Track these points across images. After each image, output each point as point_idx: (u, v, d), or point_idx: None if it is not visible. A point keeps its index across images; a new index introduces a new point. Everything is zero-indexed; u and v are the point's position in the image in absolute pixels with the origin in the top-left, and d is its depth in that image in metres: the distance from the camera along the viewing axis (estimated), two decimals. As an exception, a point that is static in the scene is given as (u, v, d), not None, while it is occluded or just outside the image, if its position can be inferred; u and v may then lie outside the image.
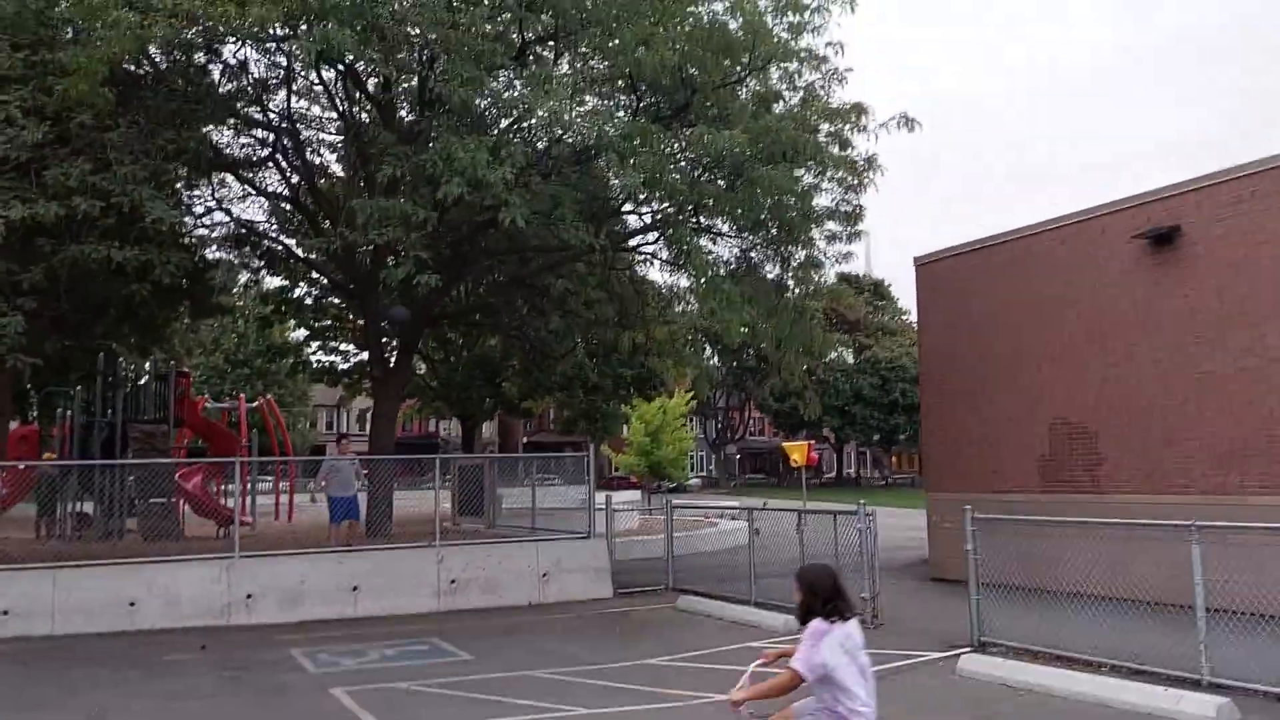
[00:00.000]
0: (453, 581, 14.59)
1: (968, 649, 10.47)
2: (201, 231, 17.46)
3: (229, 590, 13.16)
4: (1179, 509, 12.73)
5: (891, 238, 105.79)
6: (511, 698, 8.90)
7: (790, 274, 16.80)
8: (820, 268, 17.27)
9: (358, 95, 17.27)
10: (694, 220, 15.76)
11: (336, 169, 20.15)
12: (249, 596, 13.22)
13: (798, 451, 41.74)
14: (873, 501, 13.86)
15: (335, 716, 8.41)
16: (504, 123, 15.45)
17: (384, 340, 19.77)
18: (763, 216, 15.20)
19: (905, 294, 65.10)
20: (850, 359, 67.42)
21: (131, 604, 12.59)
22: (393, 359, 19.72)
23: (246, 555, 13.71)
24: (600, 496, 17.21)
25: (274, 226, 20.20)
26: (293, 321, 25.38)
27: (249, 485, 24.74)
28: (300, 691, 9.31)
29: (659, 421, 43.71)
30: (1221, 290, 13.17)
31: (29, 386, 20.66)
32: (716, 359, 48.73)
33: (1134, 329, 14.28)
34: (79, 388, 20.99)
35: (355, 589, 13.89)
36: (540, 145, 15.09)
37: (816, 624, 5.01)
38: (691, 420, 70.95)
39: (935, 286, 18.04)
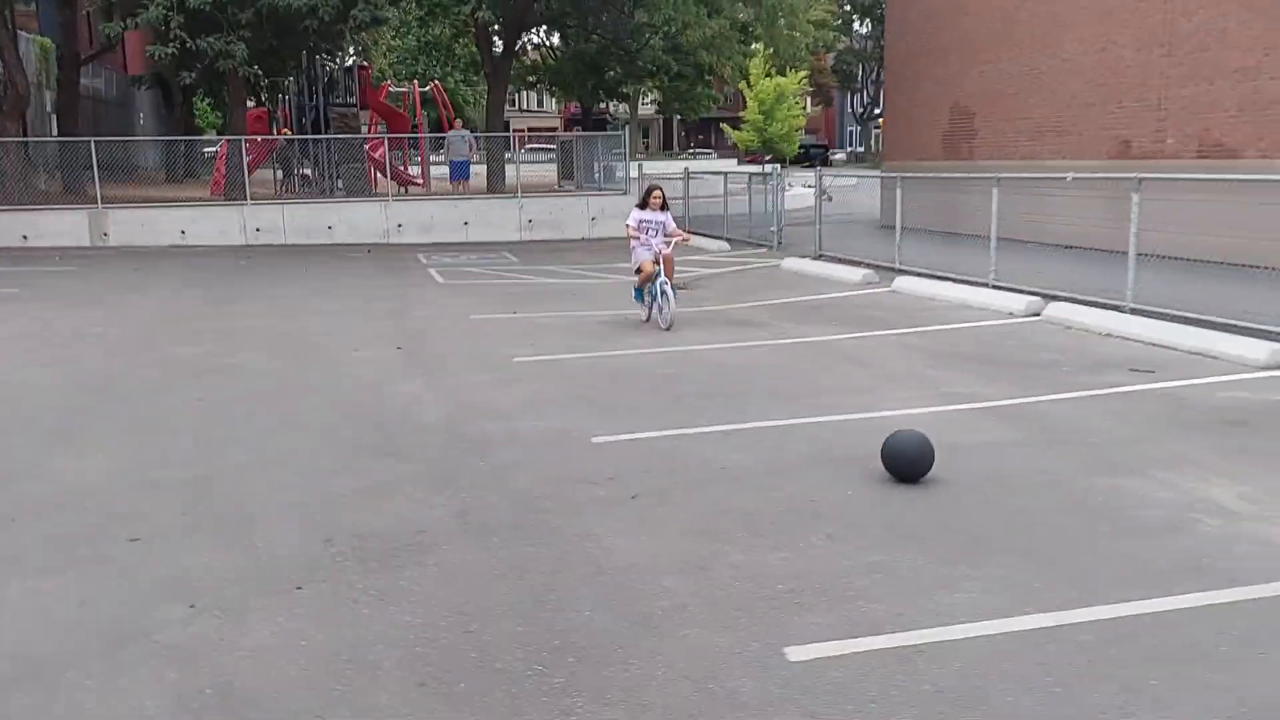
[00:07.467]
0: (529, 221, 22.09)
1: (809, 258, 17.11)
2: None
3: (387, 220, 21.19)
4: (1009, 168, 18.64)
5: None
6: (526, 276, 16.34)
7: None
8: None
9: None
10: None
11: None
12: (399, 225, 21.22)
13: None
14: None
15: (425, 275, 16.23)
16: None
17: (490, 42, 26.29)
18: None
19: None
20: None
21: (329, 227, 20.86)
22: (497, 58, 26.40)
23: (397, 199, 21.65)
24: (636, 166, 23.97)
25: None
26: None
27: (425, 156, 32.76)
28: (413, 269, 17.17)
29: (772, 100, 47.84)
30: (1053, 4, 17.76)
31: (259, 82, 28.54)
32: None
33: (1002, 33, 19.00)
34: (290, 79, 28.70)
35: (466, 224, 21.65)
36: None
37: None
38: (834, 95, 73.76)
39: (903, -9, 22.62)
